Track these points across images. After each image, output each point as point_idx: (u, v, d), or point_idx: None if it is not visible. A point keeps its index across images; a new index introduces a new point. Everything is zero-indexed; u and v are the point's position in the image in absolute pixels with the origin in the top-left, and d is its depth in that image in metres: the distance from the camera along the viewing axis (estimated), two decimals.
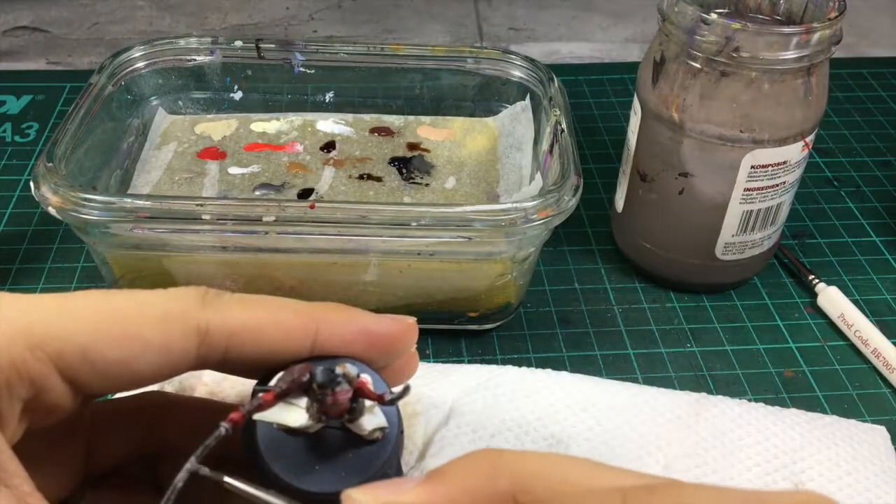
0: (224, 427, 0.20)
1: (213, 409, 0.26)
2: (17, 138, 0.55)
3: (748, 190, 0.40)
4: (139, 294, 0.22)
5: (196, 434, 0.25)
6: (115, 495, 0.27)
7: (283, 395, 0.21)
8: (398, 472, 0.23)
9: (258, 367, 0.22)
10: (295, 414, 0.21)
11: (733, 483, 0.32)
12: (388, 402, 0.21)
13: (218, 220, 0.36)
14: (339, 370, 0.20)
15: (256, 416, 0.21)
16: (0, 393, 0.19)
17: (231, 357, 0.22)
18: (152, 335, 0.21)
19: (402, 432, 0.23)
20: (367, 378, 0.21)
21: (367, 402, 0.21)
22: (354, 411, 0.21)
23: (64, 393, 0.21)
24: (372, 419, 0.21)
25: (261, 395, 0.21)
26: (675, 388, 0.38)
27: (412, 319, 0.23)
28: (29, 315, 0.20)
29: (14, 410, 0.20)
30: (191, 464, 0.20)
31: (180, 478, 0.19)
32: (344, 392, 0.20)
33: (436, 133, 0.50)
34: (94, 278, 0.44)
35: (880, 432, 0.34)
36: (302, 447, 0.21)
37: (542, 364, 0.38)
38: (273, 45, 0.49)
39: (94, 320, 0.21)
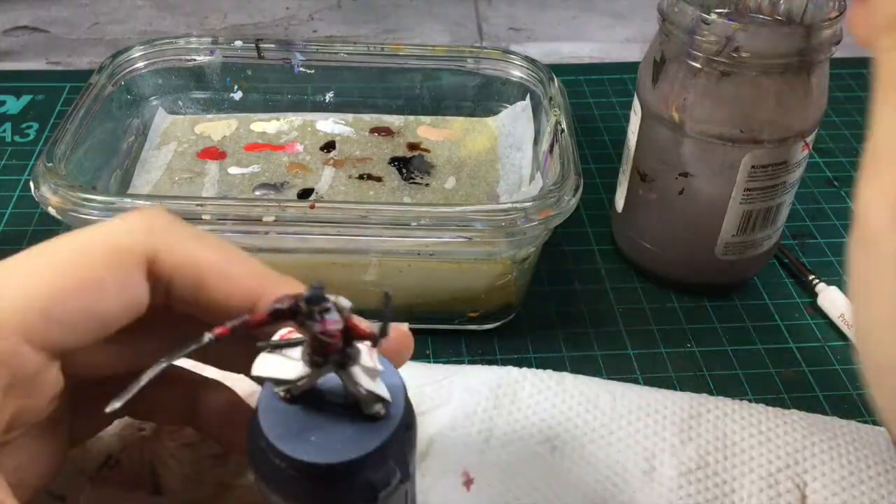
0: (208, 336, 0.20)
1: (192, 380, 0.27)
2: (17, 138, 0.55)
3: (748, 190, 0.40)
4: (83, 234, 0.21)
5: (174, 399, 0.25)
6: (113, 492, 0.27)
7: (272, 317, 0.20)
8: (405, 472, 0.22)
9: (199, 315, 0.22)
10: (290, 366, 0.21)
11: (736, 484, 0.32)
12: (378, 337, 0.21)
13: (218, 220, 0.36)
14: (329, 296, 0.20)
15: (254, 373, 0.21)
16: None
17: (173, 294, 0.22)
18: (105, 274, 0.21)
19: (409, 425, 0.22)
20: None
21: (363, 359, 0.21)
22: (348, 356, 0.21)
23: (41, 364, 0.20)
24: (368, 379, 0.21)
25: (247, 315, 0.20)
26: (675, 388, 0.38)
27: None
28: None
29: (7, 410, 0.20)
30: (164, 361, 0.19)
31: (150, 372, 0.19)
32: (334, 321, 0.20)
33: (436, 133, 0.50)
34: None
35: (882, 433, 0.34)
36: (300, 418, 0.21)
37: (542, 364, 0.38)
38: (273, 45, 0.49)
39: (46, 280, 0.20)
